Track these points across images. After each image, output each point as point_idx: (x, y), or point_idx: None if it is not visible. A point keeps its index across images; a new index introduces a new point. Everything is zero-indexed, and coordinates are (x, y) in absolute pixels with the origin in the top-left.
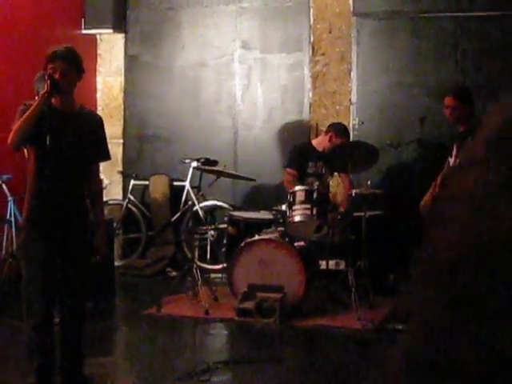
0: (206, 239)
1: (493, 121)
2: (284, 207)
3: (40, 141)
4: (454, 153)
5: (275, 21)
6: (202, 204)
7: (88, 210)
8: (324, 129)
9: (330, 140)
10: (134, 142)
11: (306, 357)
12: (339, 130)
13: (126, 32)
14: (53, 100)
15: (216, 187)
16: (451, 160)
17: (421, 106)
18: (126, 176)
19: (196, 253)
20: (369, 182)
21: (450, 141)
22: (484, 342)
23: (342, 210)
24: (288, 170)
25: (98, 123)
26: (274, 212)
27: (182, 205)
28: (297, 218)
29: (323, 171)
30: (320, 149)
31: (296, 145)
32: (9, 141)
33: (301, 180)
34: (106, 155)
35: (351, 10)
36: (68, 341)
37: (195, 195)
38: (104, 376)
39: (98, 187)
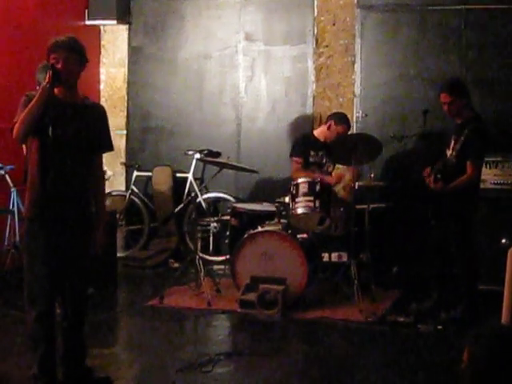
0: (209, 231)
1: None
2: (287, 199)
3: (42, 131)
4: (452, 145)
5: (279, 13)
6: (205, 196)
7: (90, 201)
8: None
9: (329, 128)
10: (138, 133)
11: (307, 349)
12: (339, 117)
13: (129, 23)
14: (56, 90)
15: (219, 179)
16: (448, 152)
17: (424, 99)
18: (128, 167)
19: (199, 244)
20: (372, 175)
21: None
22: None
23: (345, 202)
24: (295, 158)
25: (101, 114)
26: (276, 204)
27: (184, 196)
28: (300, 210)
29: (324, 161)
30: (321, 139)
31: (298, 135)
32: (14, 134)
33: (306, 168)
34: (108, 146)
35: (355, 2)
36: (70, 332)
37: (198, 187)
38: (106, 367)
39: (100, 179)
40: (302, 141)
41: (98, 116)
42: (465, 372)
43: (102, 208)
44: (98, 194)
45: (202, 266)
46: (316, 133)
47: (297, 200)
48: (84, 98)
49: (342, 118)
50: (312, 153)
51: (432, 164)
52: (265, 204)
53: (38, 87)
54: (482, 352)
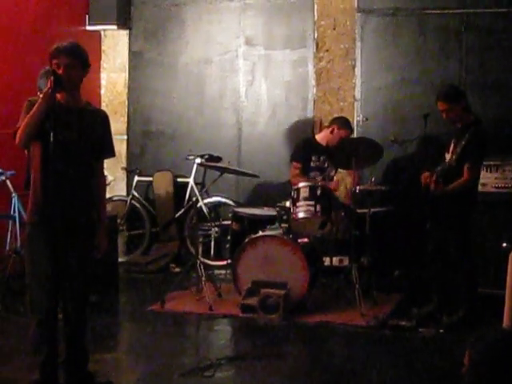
0: (210, 235)
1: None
2: (288, 204)
3: (45, 137)
4: (451, 149)
5: (279, 17)
6: (206, 200)
7: (92, 207)
8: (328, 125)
9: (332, 132)
10: (138, 138)
11: (309, 353)
12: (342, 122)
13: (130, 28)
14: (58, 96)
15: (220, 183)
16: (448, 156)
17: (425, 103)
18: (129, 172)
19: (200, 249)
20: (373, 179)
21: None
22: None
23: (346, 205)
24: (294, 163)
25: (104, 120)
26: (277, 208)
27: (185, 201)
28: (300, 215)
29: (326, 165)
30: (323, 143)
31: (300, 139)
32: (16, 139)
33: (305, 174)
34: (110, 152)
35: (355, 6)
36: (72, 337)
37: (199, 191)
38: (108, 372)
39: (101, 184)
40: (304, 145)
41: (100, 122)
42: (466, 376)
43: (102, 213)
44: (99, 198)
45: (203, 271)
46: (318, 137)
47: (298, 204)
48: (86, 104)
49: (344, 123)
50: (314, 157)
51: (431, 168)
52: (266, 208)
53: (39, 93)
54: (483, 356)
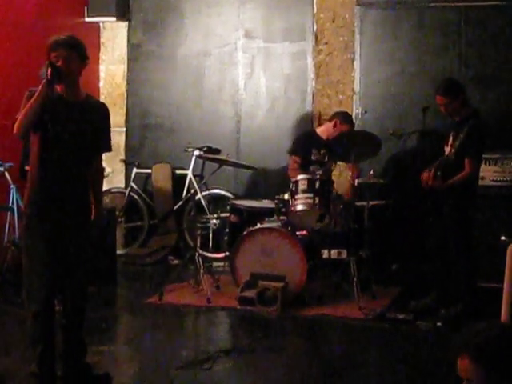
0: (209, 228)
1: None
2: (286, 196)
3: (43, 128)
4: (450, 142)
5: (278, 10)
6: (205, 193)
7: (89, 199)
8: (327, 118)
9: (334, 126)
10: (137, 130)
11: (307, 346)
12: (344, 116)
13: (129, 20)
14: (58, 88)
15: (218, 176)
16: (447, 149)
17: (424, 96)
18: (128, 164)
19: (198, 241)
20: (372, 172)
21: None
22: None
23: (345, 198)
24: (294, 157)
25: (104, 114)
26: (276, 201)
27: (184, 193)
28: (299, 207)
29: (326, 159)
30: (324, 137)
31: (301, 132)
32: (14, 130)
33: (304, 167)
34: (107, 147)
35: None
36: (70, 329)
37: (198, 184)
38: (105, 364)
39: (99, 179)
40: (304, 139)
41: (100, 115)
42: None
43: (99, 204)
44: (96, 192)
45: (201, 263)
46: (319, 130)
47: (296, 197)
48: (87, 96)
49: (346, 118)
50: (314, 151)
51: (431, 163)
52: (264, 201)
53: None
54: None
